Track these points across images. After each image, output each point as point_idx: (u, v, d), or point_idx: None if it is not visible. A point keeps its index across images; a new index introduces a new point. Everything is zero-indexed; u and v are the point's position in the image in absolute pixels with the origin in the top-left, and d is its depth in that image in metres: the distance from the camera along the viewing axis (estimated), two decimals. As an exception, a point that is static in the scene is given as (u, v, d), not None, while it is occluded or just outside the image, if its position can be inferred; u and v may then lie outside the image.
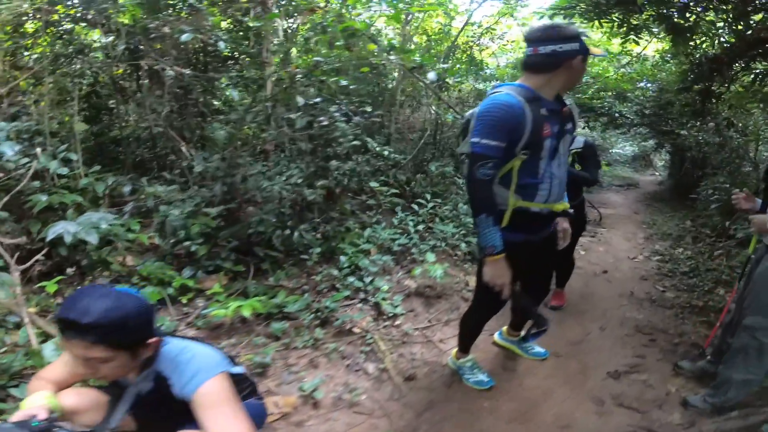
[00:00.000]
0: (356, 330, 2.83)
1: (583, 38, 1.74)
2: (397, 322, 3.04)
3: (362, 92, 5.35)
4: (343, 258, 3.46)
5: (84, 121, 3.90)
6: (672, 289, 4.01)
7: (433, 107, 5.81)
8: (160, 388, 1.32)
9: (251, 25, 3.96)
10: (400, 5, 4.15)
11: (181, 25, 3.32)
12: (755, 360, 1.95)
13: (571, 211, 2.06)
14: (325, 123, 3.38)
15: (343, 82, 3.61)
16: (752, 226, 2.04)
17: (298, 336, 2.67)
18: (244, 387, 1.62)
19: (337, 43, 3.12)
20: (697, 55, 4.54)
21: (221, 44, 3.66)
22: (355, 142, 3.74)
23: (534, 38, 1.75)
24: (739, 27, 3.85)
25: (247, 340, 2.58)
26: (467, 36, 7.45)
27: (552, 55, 1.71)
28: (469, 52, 7.41)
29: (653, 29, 4.02)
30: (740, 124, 6.60)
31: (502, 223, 1.81)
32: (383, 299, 3.14)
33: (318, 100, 3.40)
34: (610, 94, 8.45)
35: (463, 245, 4.26)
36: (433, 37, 6.99)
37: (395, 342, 2.82)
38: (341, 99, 3.93)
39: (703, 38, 4.43)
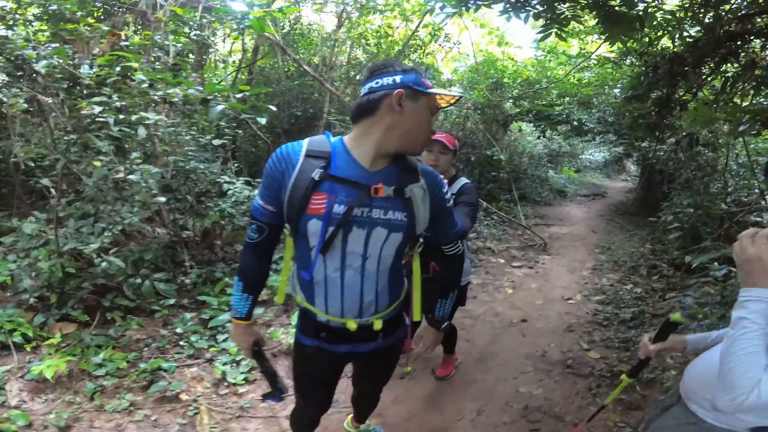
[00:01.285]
0: (184, 397, 2.56)
1: (419, 74, 1.25)
2: (241, 391, 2.67)
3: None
4: (187, 315, 3.15)
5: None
6: (600, 347, 3.45)
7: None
8: None
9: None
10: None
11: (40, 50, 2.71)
12: None
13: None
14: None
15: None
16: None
17: (115, 398, 2.46)
18: None
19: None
20: (655, 55, 3.74)
21: (84, 68, 2.98)
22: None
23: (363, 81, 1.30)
24: (707, 19, 3.13)
25: (62, 399, 2.40)
26: (418, 39, 6.85)
27: (367, 93, 1.24)
28: (420, 58, 6.81)
29: (581, 19, 3.13)
30: (705, 137, 5.81)
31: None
32: (225, 363, 2.81)
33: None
34: (568, 99, 7.84)
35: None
36: (373, 41, 6.37)
37: (228, 415, 2.48)
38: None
39: (660, 32, 3.58)
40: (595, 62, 6.19)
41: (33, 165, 3.56)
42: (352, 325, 1.36)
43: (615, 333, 3.67)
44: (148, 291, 3.22)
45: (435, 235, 1.47)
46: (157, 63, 3.34)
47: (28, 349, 2.65)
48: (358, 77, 6.65)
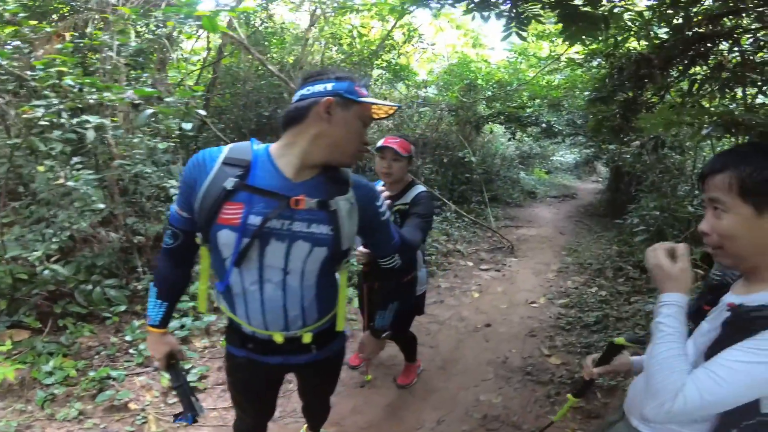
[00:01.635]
0: (133, 406, 2.53)
1: (353, 81, 1.20)
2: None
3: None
4: (136, 322, 3.10)
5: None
6: (562, 352, 3.48)
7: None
8: None
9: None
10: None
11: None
12: None
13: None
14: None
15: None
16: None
17: (65, 406, 2.44)
18: None
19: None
20: (621, 57, 3.61)
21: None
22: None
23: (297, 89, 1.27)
24: (677, 19, 3.02)
25: (12, 407, 2.39)
26: (391, 40, 6.80)
27: (297, 101, 1.20)
28: (395, 58, 6.78)
29: (542, 18, 3.06)
30: (671, 140, 5.90)
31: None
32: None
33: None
34: (538, 102, 7.94)
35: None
36: (346, 40, 6.30)
37: (175, 424, 2.36)
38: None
39: (626, 34, 3.40)
40: (565, 65, 6.23)
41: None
42: (278, 338, 1.30)
43: (577, 338, 3.71)
44: (99, 298, 3.15)
45: (371, 247, 1.49)
46: (108, 64, 3.19)
47: None
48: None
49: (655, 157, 5.60)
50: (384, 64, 6.84)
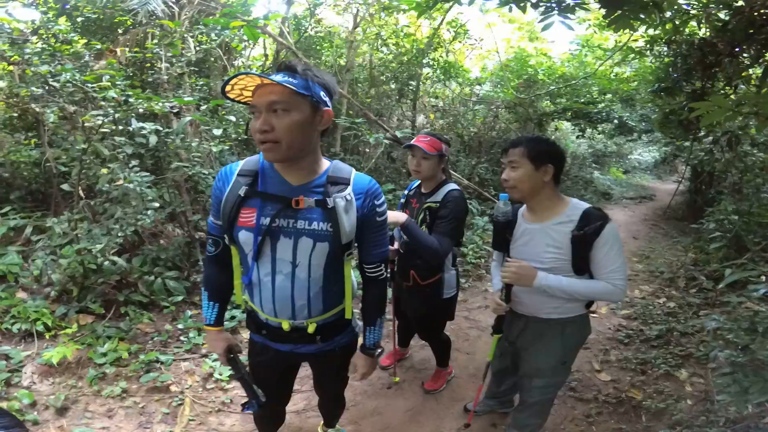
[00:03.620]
0: (173, 388, 2.71)
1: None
2: (226, 387, 2.78)
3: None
4: (188, 312, 3.36)
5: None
6: (614, 368, 3.22)
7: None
8: None
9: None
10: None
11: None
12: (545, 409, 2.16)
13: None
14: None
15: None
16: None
17: (112, 384, 2.65)
18: None
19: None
20: (680, 42, 3.31)
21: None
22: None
23: None
24: (736, 1, 2.71)
25: (66, 382, 2.62)
26: (439, 38, 6.68)
27: None
28: (443, 56, 6.65)
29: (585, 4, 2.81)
30: (752, 135, 5.09)
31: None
32: (216, 360, 2.93)
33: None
34: (609, 96, 7.31)
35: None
36: (391, 40, 6.28)
37: (209, 408, 2.60)
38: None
39: (685, 17, 3.04)
40: (633, 55, 5.68)
41: (65, 169, 3.84)
42: (285, 325, 1.42)
43: (634, 353, 3.41)
44: (160, 288, 3.45)
45: (359, 250, 1.48)
46: (164, 74, 3.47)
47: (48, 336, 2.91)
48: (382, 78, 6.62)
49: (734, 154, 4.93)
50: (432, 63, 6.72)
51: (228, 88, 1.22)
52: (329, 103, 1.29)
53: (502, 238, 1.90)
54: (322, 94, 1.25)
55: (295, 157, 1.28)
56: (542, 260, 1.72)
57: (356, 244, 1.43)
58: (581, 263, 1.69)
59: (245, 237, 1.33)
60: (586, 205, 1.71)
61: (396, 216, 2.08)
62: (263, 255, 1.35)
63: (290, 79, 1.19)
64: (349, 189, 1.33)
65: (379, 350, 1.59)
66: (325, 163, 1.39)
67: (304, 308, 1.41)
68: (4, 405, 2.27)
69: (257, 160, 1.38)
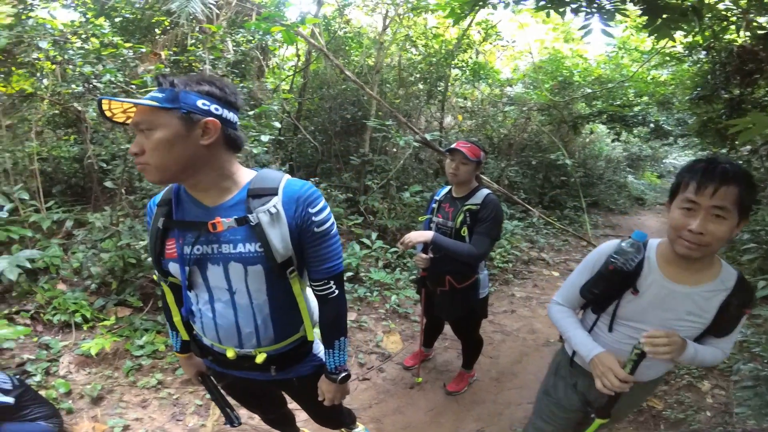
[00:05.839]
0: None
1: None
2: None
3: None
4: None
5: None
6: (640, 376, 3.12)
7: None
8: None
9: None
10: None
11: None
12: None
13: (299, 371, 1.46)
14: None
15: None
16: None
17: (148, 375, 2.71)
18: (25, 412, 1.99)
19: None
20: (719, 49, 3.18)
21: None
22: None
23: None
24: None
25: (102, 373, 2.70)
26: (468, 39, 6.63)
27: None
28: (473, 57, 6.60)
29: (625, 11, 2.76)
30: None
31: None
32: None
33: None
34: (645, 99, 7.06)
35: (394, 297, 3.86)
36: (420, 41, 6.27)
37: None
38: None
39: (724, 24, 2.96)
40: (669, 59, 5.51)
41: (106, 166, 4.04)
42: (230, 353, 1.29)
43: (660, 366, 3.29)
44: None
45: (306, 265, 1.30)
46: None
47: (85, 328, 3.00)
48: (411, 78, 6.63)
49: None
50: (462, 64, 6.67)
51: (108, 114, 1.10)
52: (218, 112, 1.09)
53: (615, 291, 1.40)
54: (200, 103, 1.06)
55: (178, 178, 1.11)
56: (674, 327, 1.34)
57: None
58: (724, 327, 1.35)
59: (174, 269, 1.22)
60: (735, 269, 1.34)
61: (421, 235, 2.17)
62: (196, 285, 1.25)
63: (155, 95, 1.04)
64: (276, 199, 1.15)
65: (344, 374, 1.40)
66: (246, 176, 1.20)
67: (252, 336, 1.28)
68: (43, 393, 2.37)
69: (171, 187, 1.25)
